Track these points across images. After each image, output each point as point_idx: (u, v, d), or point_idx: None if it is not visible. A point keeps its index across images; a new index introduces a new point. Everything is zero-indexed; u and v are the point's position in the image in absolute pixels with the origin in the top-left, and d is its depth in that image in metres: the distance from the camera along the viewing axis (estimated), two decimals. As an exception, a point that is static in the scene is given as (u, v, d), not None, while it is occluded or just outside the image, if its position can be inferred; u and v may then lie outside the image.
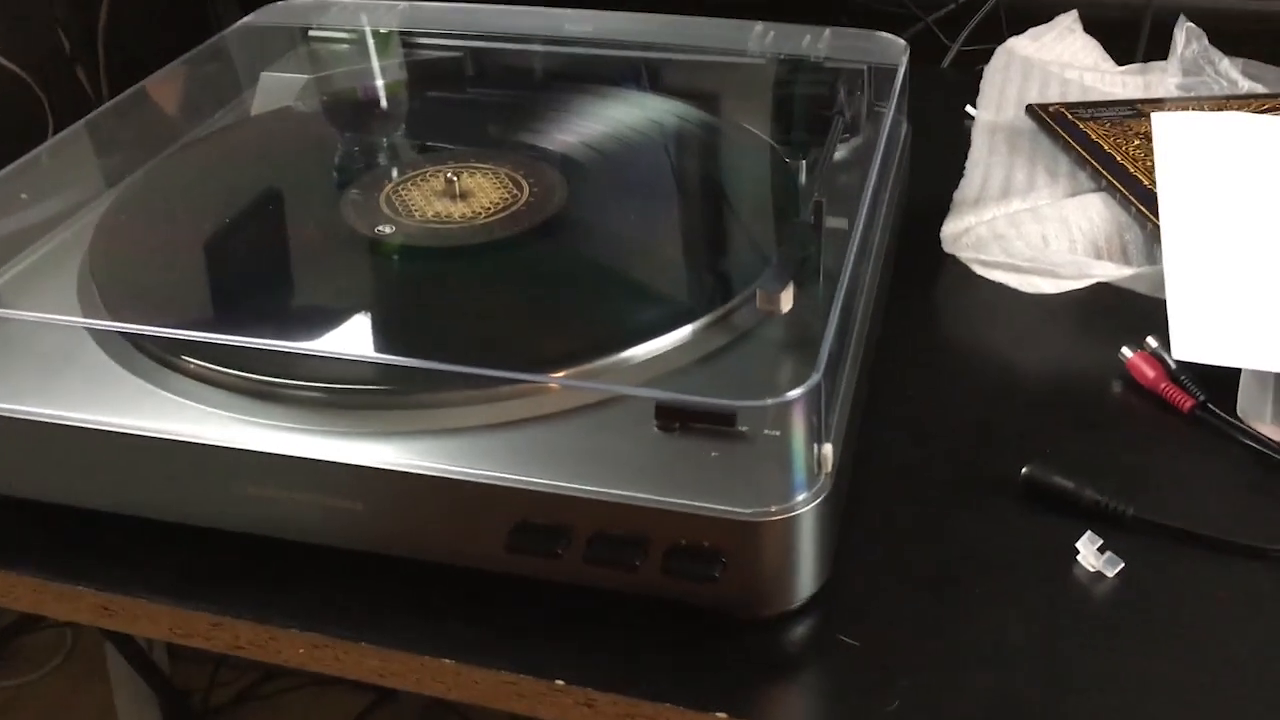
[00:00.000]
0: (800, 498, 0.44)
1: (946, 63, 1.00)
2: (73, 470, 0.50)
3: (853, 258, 0.52)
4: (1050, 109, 0.82)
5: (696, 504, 0.44)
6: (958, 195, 0.74)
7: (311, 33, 0.77)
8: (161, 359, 0.52)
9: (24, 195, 0.69)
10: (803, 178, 0.65)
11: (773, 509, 0.44)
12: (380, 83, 0.75)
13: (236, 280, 0.59)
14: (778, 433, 0.47)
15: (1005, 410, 0.59)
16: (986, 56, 0.95)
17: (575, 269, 0.58)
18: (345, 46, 0.76)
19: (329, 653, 0.48)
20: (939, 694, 0.45)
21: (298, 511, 0.49)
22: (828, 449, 0.46)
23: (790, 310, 0.51)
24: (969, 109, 0.86)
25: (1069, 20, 0.96)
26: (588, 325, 0.54)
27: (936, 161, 0.77)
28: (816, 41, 0.71)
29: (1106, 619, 0.48)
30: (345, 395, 0.50)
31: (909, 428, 0.57)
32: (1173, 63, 0.88)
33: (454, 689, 0.47)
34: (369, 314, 0.56)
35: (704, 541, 0.45)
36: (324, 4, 0.79)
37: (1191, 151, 0.70)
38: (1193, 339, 0.57)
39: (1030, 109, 0.82)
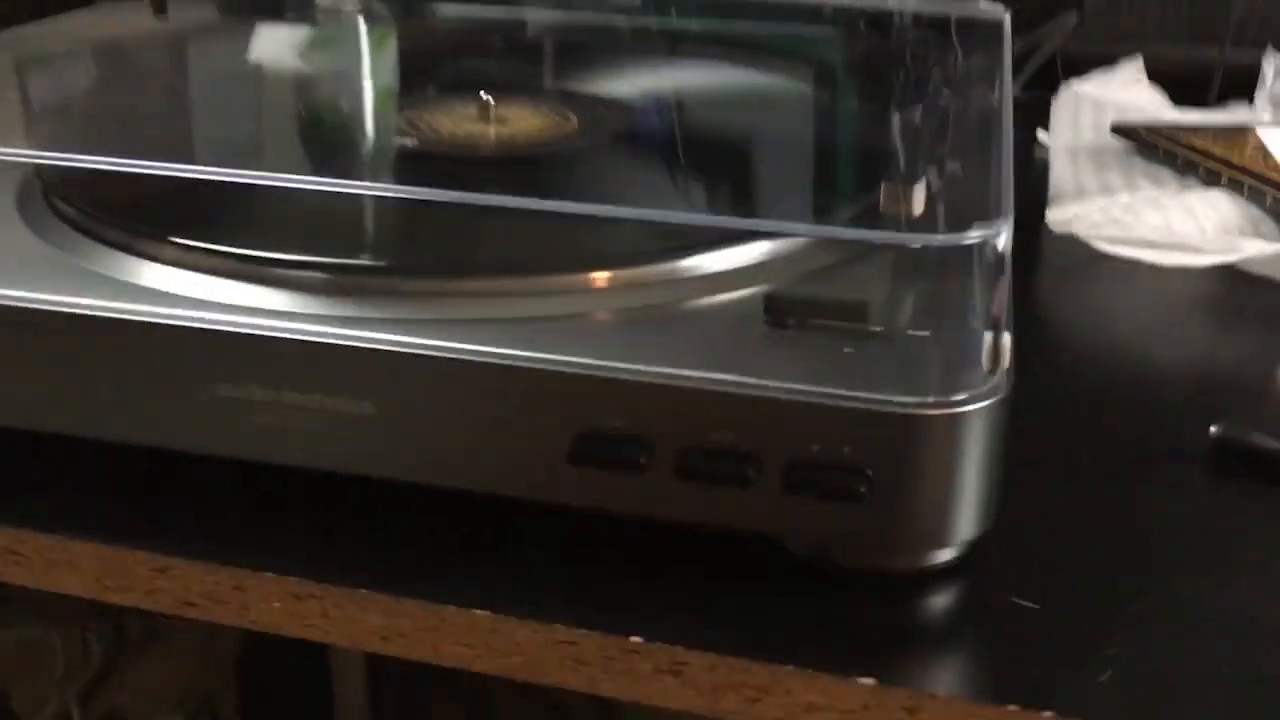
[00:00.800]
0: (971, 393, 0.33)
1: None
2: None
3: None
4: (1142, 128, 0.73)
5: (833, 394, 0.33)
6: (1053, 191, 0.64)
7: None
8: (123, 245, 0.41)
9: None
10: (896, 129, 0.55)
11: (936, 405, 0.32)
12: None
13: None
14: (928, 332, 0.36)
15: (1166, 410, 0.47)
16: (1042, 106, 0.88)
17: (652, 175, 0.48)
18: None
19: (314, 606, 0.36)
20: (1161, 662, 0.33)
21: (284, 421, 0.36)
22: (1007, 339, 0.34)
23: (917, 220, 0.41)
24: (1040, 135, 0.78)
25: (1134, 69, 0.88)
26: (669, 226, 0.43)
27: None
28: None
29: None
30: (353, 276, 0.38)
31: (1056, 397, 0.46)
32: (1261, 98, 0.80)
33: (485, 655, 0.35)
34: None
35: (842, 450, 0.33)
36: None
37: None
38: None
39: (1117, 128, 0.74)
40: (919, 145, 0.46)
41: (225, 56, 0.63)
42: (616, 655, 0.34)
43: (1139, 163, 0.71)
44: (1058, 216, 0.60)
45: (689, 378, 0.33)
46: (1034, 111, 0.83)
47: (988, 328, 0.34)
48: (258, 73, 0.61)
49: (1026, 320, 0.52)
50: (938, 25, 0.60)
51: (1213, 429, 0.42)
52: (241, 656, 0.94)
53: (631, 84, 0.58)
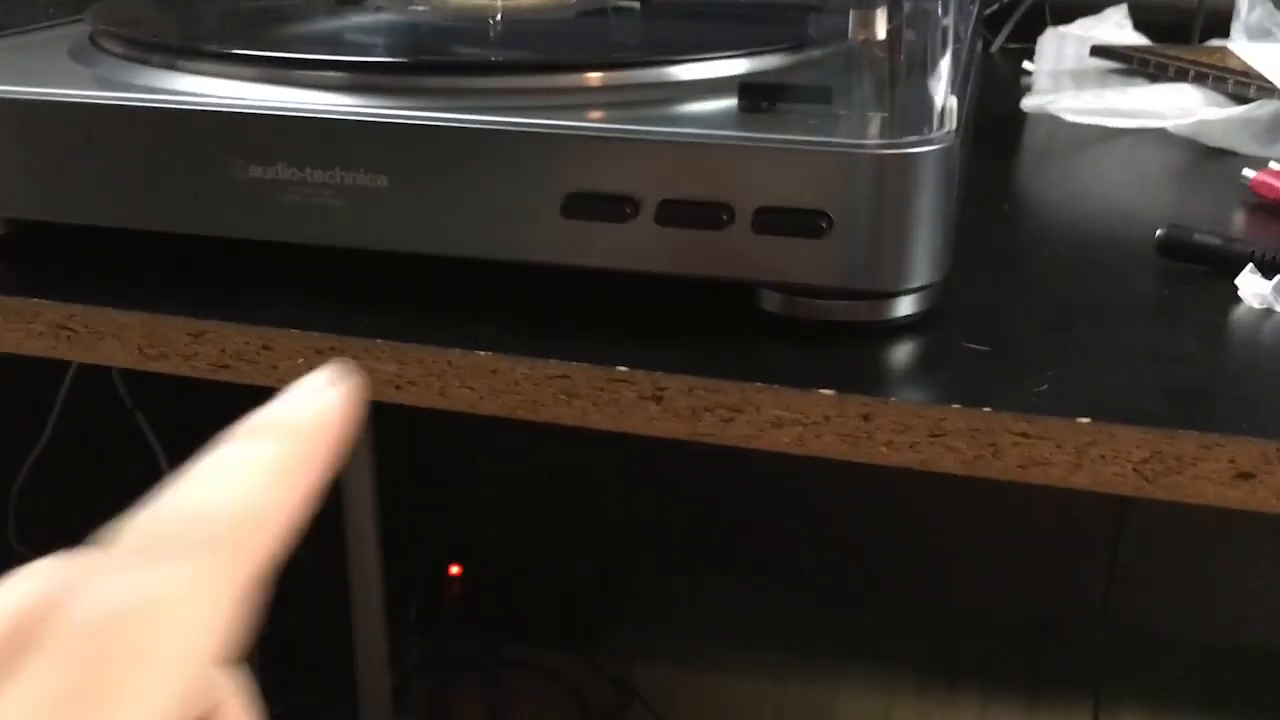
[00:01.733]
0: (919, 139, 0.37)
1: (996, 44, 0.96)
2: (36, 168, 0.43)
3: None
4: (1120, 47, 0.77)
5: (794, 140, 0.37)
6: (1032, 91, 0.68)
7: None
8: (163, 64, 0.45)
9: None
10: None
11: (888, 146, 0.36)
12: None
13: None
14: (885, 114, 0.40)
15: (1120, 232, 0.51)
16: (1031, 54, 0.92)
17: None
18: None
19: (335, 360, 0.39)
20: (1094, 380, 0.36)
21: (305, 199, 0.40)
22: (952, 101, 0.38)
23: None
24: (1026, 64, 0.82)
25: (1119, 15, 0.92)
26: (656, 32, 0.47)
27: (996, 113, 0.71)
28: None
29: (1282, 344, 0.39)
30: (371, 73, 0.43)
31: (1013, 235, 0.50)
32: (1236, 29, 0.84)
33: (488, 396, 0.38)
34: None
35: (805, 191, 0.37)
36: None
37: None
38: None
39: (1097, 49, 0.78)
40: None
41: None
42: (604, 385, 0.37)
43: (1116, 77, 0.75)
44: (1033, 101, 0.64)
45: (667, 134, 0.37)
46: (1021, 56, 0.88)
47: (933, 90, 0.38)
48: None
49: (1003, 183, 0.56)
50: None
51: (1159, 231, 0.45)
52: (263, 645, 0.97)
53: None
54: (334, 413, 0.23)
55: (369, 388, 0.39)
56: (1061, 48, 0.84)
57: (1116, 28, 0.92)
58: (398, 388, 0.39)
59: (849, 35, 0.46)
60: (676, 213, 0.37)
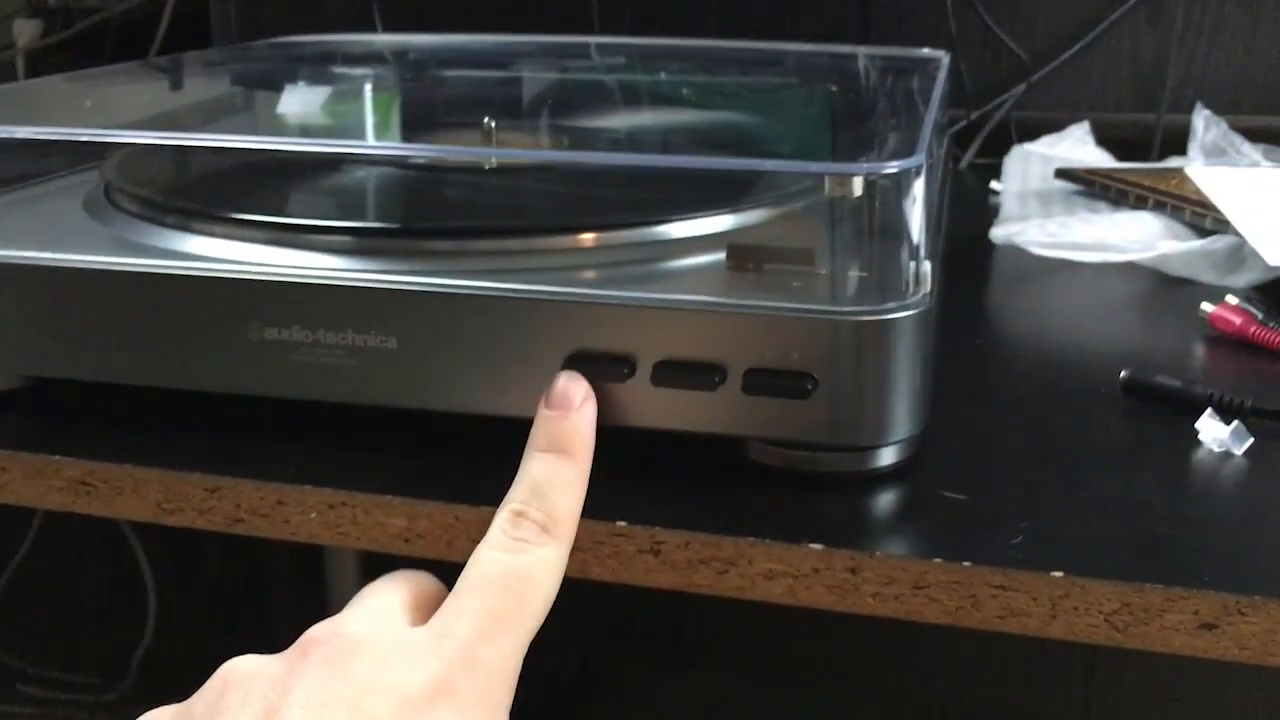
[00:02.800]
0: (897, 305, 0.39)
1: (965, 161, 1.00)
2: (57, 328, 0.45)
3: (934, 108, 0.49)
4: (1082, 171, 0.81)
5: (782, 307, 0.39)
6: (999, 218, 0.71)
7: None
8: (177, 225, 0.47)
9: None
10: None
11: (867, 312, 0.39)
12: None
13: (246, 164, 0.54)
14: (865, 274, 0.43)
15: (1087, 369, 0.54)
16: (998, 169, 0.96)
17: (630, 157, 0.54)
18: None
19: (347, 514, 0.41)
20: (1065, 531, 0.38)
21: (318, 359, 0.43)
22: (926, 266, 0.41)
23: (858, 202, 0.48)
24: (994, 184, 0.85)
25: (1080, 131, 0.97)
26: (644, 191, 0.50)
27: (964, 232, 0.75)
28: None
29: (1241, 487, 0.42)
30: (377, 238, 0.45)
31: (985, 374, 0.53)
32: (1193, 149, 0.88)
33: (493, 548, 0.40)
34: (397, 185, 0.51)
35: (792, 353, 0.39)
36: (340, 44, 0.78)
37: (1234, 186, 0.69)
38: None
39: (1061, 172, 0.82)
40: (864, 131, 0.53)
41: (242, 107, 0.71)
42: (605, 539, 0.39)
43: (1080, 200, 0.78)
44: (1001, 231, 0.67)
45: (662, 300, 0.40)
46: (989, 172, 0.91)
47: (910, 257, 0.40)
48: (273, 118, 0.68)
49: (972, 313, 0.59)
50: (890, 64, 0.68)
51: (1122, 373, 0.48)
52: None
53: (619, 122, 0.66)
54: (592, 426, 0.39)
55: (378, 540, 0.41)
56: (1027, 167, 0.88)
57: (1079, 143, 0.96)
58: (406, 540, 0.41)
59: (826, 192, 0.50)
60: (671, 374, 0.40)
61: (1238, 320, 0.54)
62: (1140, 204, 0.71)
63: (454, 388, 0.42)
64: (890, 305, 0.39)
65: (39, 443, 0.44)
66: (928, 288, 0.40)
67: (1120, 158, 0.94)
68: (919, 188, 0.40)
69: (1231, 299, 0.56)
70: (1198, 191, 0.70)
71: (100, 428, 0.45)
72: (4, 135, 0.46)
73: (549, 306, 0.41)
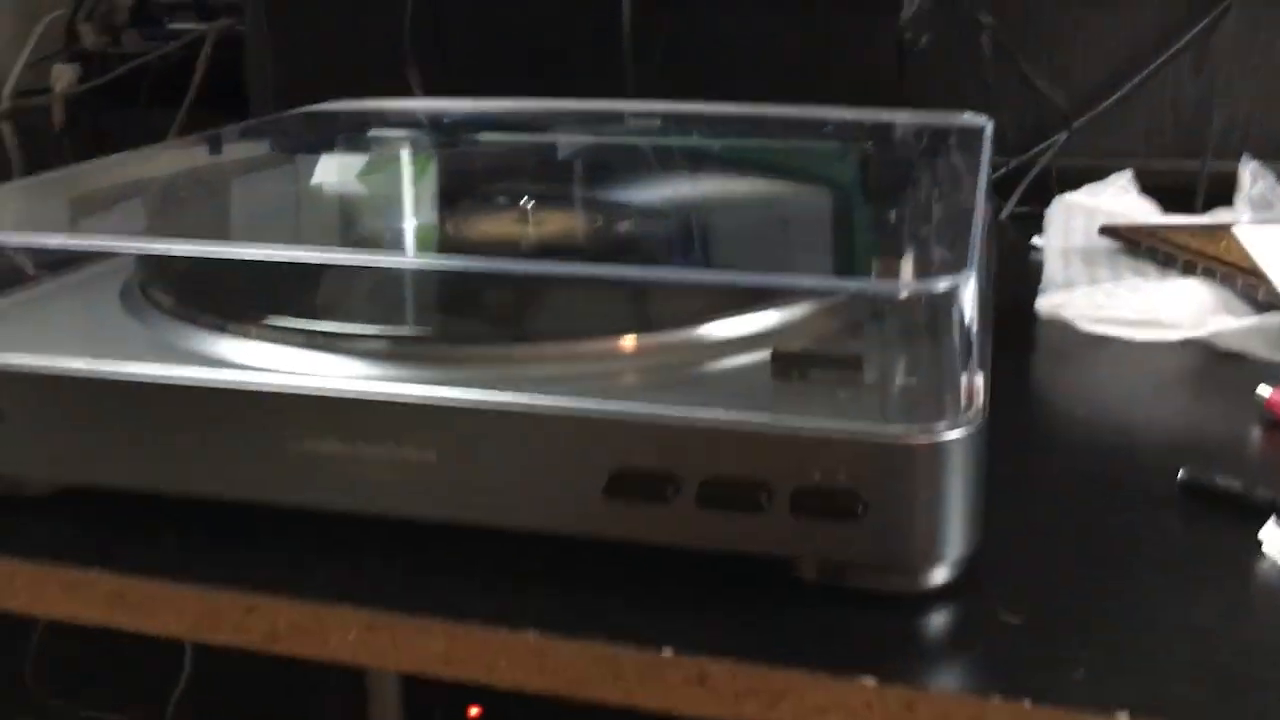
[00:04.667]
0: (949, 424, 0.38)
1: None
2: (90, 435, 0.44)
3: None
4: (1127, 228, 0.79)
5: (830, 428, 0.38)
6: (1044, 284, 0.70)
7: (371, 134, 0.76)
8: (214, 326, 0.47)
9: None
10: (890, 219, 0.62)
11: (919, 433, 0.38)
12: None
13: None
14: (914, 379, 0.41)
15: (1141, 460, 0.52)
16: (1039, 219, 0.94)
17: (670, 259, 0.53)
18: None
19: (386, 636, 0.40)
20: (1130, 661, 0.37)
21: (357, 471, 0.42)
22: (979, 380, 0.40)
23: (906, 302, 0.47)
24: (1036, 240, 0.84)
25: (1123, 180, 0.95)
26: (680, 293, 0.49)
27: (1008, 295, 0.73)
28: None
29: None
30: (415, 345, 0.44)
31: (1035, 465, 0.51)
32: (1240, 202, 0.86)
33: (536, 674, 0.39)
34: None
35: (840, 474, 0.38)
36: (377, 111, 0.77)
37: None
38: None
39: (1105, 229, 0.80)
40: (907, 227, 0.52)
41: (280, 181, 0.70)
42: (650, 668, 0.38)
43: (1125, 259, 0.76)
44: (1047, 303, 0.66)
45: (707, 419, 0.39)
46: (1030, 223, 0.90)
47: (962, 370, 0.39)
48: (311, 193, 0.68)
49: (1019, 391, 0.57)
50: (930, 134, 0.67)
51: (1181, 472, 0.47)
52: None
53: (656, 193, 0.65)
54: None
55: (418, 662, 0.40)
56: (1069, 220, 0.86)
57: (1122, 192, 0.94)
58: (446, 663, 0.40)
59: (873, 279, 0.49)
60: (717, 495, 0.39)
61: (1296, 406, 0.53)
62: (1189, 270, 0.69)
63: (495, 503, 0.41)
64: (942, 425, 0.38)
65: (74, 554, 0.44)
66: (980, 402, 0.39)
67: (1165, 207, 0.92)
68: (970, 297, 0.39)
69: (1289, 382, 0.55)
70: (1247, 256, 0.69)
71: (136, 538, 0.45)
72: (36, 243, 0.46)
73: (590, 424, 0.40)
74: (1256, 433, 0.53)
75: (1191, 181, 0.96)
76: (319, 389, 0.42)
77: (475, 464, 0.41)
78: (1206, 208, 0.93)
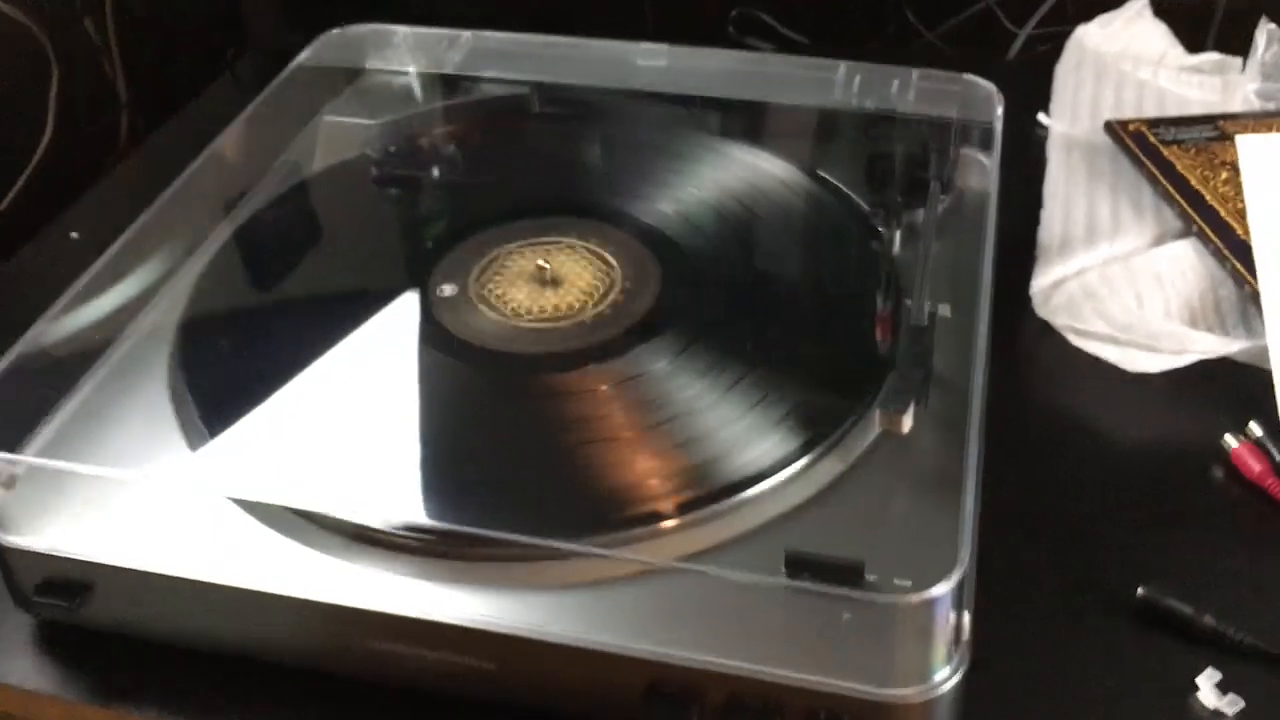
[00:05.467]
0: (940, 677, 0.44)
1: (1013, 52, 0.97)
2: (194, 618, 0.50)
3: (978, 389, 0.51)
4: (1130, 128, 0.79)
5: (833, 683, 0.44)
6: (1042, 237, 0.72)
7: (369, 65, 0.74)
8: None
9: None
10: (896, 247, 0.64)
11: (911, 692, 0.44)
12: (445, 129, 0.72)
13: (338, 409, 0.57)
14: (909, 582, 0.47)
15: (1103, 501, 0.58)
16: (1052, 40, 0.93)
17: (682, 392, 0.56)
18: (405, 82, 0.74)
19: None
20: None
21: (424, 665, 0.48)
22: (966, 619, 0.45)
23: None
24: (1041, 117, 0.84)
25: (1139, 5, 0.93)
26: (701, 465, 0.53)
27: (1015, 178, 0.74)
28: (905, 88, 0.68)
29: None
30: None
31: (1004, 524, 0.57)
32: (1252, 67, 0.85)
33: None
34: (472, 447, 0.55)
35: (843, 716, 0.45)
36: (383, 32, 0.75)
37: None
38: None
39: (1109, 127, 0.80)
40: (912, 345, 0.55)
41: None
42: None
43: (1126, 169, 0.77)
44: (1040, 287, 0.68)
45: (728, 666, 0.45)
46: (1045, 61, 0.88)
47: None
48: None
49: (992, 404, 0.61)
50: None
51: (1139, 590, 0.53)
52: None
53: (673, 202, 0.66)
54: None
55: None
56: (1078, 90, 0.86)
57: (1135, 19, 0.92)
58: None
59: (877, 424, 0.53)
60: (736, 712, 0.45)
61: (1257, 468, 0.58)
62: (1186, 223, 0.71)
63: (549, 699, 0.48)
64: (932, 683, 0.44)
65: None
66: (967, 635, 0.45)
67: (1177, 34, 0.91)
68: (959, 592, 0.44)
69: (1256, 429, 0.59)
70: (1239, 206, 0.70)
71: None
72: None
73: (618, 659, 0.46)
74: (1220, 475, 0.59)
75: (1206, 13, 0.94)
76: (381, 607, 0.47)
77: (530, 674, 0.47)
78: (1219, 45, 0.91)
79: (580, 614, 0.47)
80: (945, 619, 0.44)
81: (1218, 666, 0.50)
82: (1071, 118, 0.83)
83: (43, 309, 0.57)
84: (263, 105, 0.70)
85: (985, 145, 0.67)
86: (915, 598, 0.43)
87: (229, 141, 0.67)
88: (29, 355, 0.55)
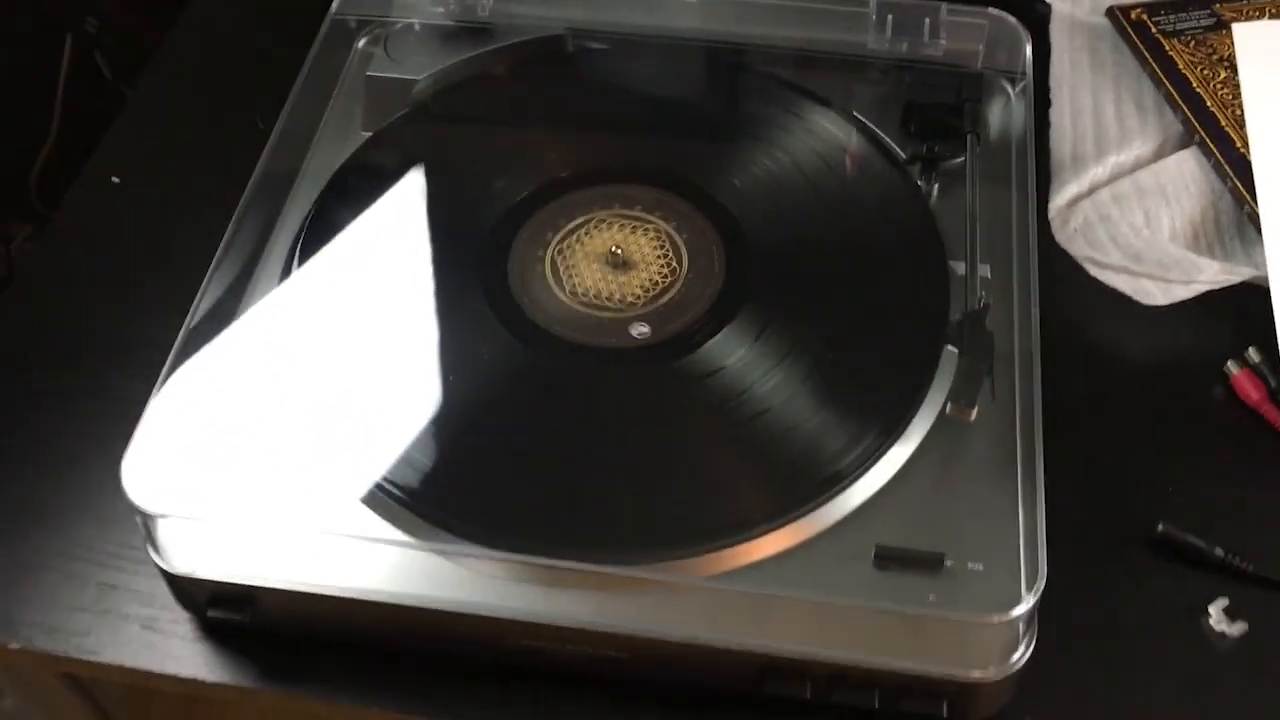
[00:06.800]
0: (1016, 657, 0.53)
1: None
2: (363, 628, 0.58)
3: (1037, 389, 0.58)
4: (1132, 16, 0.82)
5: (921, 670, 0.53)
6: (1054, 149, 0.76)
7: (395, 15, 0.75)
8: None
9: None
10: (934, 198, 0.69)
11: (991, 673, 0.53)
12: (499, 75, 0.74)
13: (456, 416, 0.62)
14: (980, 566, 0.55)
15: (1120, 433, 0.66)
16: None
17: (760, 387, 0.62)
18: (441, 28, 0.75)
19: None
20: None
21: (565, 658, 0.56)
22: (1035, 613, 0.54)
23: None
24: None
25: None
26: (780, 471, 0.59)
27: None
28: (936, 28, 0.71)
29: (1239, 678, 0.58)
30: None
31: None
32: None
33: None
34: (552, 456, 0.61)
35: (931, 692, 0.54)
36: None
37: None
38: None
39: (1111, 13, 0.83)
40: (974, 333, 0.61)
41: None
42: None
43: (1129, 61, 0.81)
44: (1057, 207, 0.73)
45: (829, 656, 0.53)
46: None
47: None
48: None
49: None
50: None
51: (1159, 526, 0.62)
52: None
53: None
54: None
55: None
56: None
57: None
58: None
59: (946, 410, 0.60)
60: (840, 695, 0.54)
61: (1255, 395, 0.66)
62: (1188, 129, 0.75)
63: (677, 680, 0.56)
64: (1008, 665, 0.53)
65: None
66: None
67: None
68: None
69: (1254, 354, 0.67)
70: (1237, 112, 0.75)
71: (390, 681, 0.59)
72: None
73: (733, 654, 0.54)
74: (1222, 399, 0.66)
75: None
76: (532, 616, 0.55)
77: (658, 664, 0.55)
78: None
79: (697, 611, 0.55)
80: (1024, 624, 0.52)
81: (1227, 593, 0.60)
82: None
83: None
84: (310, 72, 0.71)
85: (1016, 84, 0.70)
86: (998, 618, 0.51)
87: (289, 117, 0.69)
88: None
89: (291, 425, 0.60)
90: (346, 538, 0.57)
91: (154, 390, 0.59)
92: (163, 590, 0.59)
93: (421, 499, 0.58)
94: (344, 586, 0.55)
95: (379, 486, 0.58)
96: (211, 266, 0.63)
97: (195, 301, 0.62)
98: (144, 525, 0.56)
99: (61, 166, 0.98)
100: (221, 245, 0.64)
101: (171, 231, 0.73)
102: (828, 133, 0.72)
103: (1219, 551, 0.61)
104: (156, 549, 0.56)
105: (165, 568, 0.56)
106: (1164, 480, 0.64)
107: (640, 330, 0.63)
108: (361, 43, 0.76)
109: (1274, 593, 0.60)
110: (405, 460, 0.59)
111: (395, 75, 0.73)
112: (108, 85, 1.03)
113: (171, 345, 0.61)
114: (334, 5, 0.75)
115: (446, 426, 0.61)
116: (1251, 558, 0.60)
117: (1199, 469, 0.65)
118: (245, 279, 0.65)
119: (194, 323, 0.62)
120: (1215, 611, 0.60)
